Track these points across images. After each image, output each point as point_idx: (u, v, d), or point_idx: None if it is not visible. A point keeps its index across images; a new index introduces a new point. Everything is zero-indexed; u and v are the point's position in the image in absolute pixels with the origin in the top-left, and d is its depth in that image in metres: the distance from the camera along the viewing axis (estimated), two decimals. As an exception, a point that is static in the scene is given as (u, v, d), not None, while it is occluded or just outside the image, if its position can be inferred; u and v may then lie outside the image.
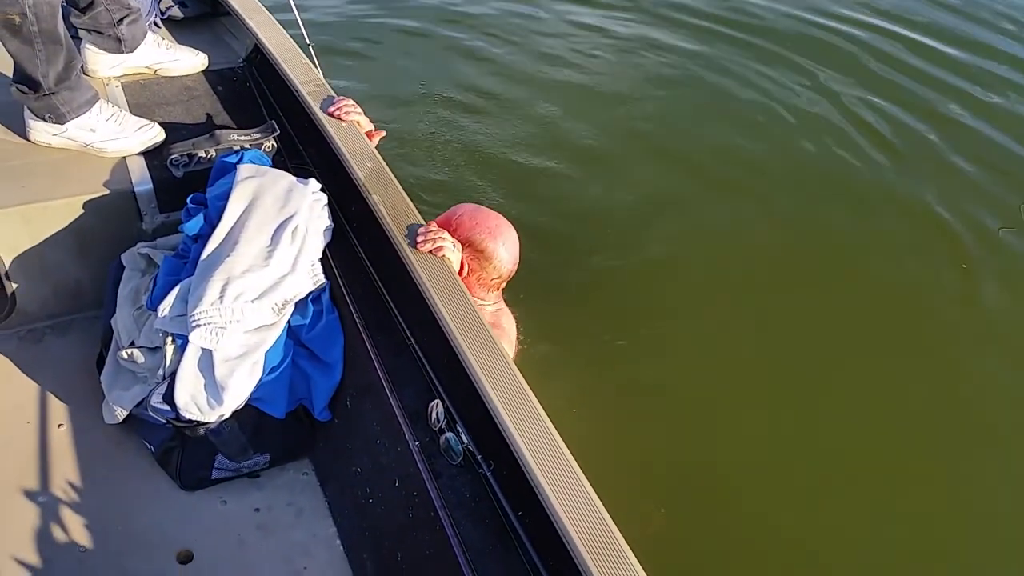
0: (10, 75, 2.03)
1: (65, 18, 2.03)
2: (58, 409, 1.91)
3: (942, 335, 2.95)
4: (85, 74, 2.25)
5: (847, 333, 2.92)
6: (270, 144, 2.13)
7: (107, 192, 2.02)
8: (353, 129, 2.06)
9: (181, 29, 2.74)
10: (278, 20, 2.43)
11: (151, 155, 2.13)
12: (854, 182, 3.72)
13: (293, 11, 2.27)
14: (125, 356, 1.78)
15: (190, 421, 1.67)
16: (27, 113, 2.07)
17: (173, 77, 2.47)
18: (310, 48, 2.26)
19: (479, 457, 1.46)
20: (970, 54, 4.93)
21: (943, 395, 2.71)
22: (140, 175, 2.07)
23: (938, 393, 2.71)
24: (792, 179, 3.73)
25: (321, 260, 1.86)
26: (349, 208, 1.99)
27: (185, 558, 1.67)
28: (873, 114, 4.22)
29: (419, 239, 1.71)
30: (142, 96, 2.36)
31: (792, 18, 5.19)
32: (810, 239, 3.37)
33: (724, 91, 4.36)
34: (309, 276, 1.80)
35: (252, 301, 1.67)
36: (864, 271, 3.20)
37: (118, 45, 2.34)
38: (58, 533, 1.67)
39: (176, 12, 2.70)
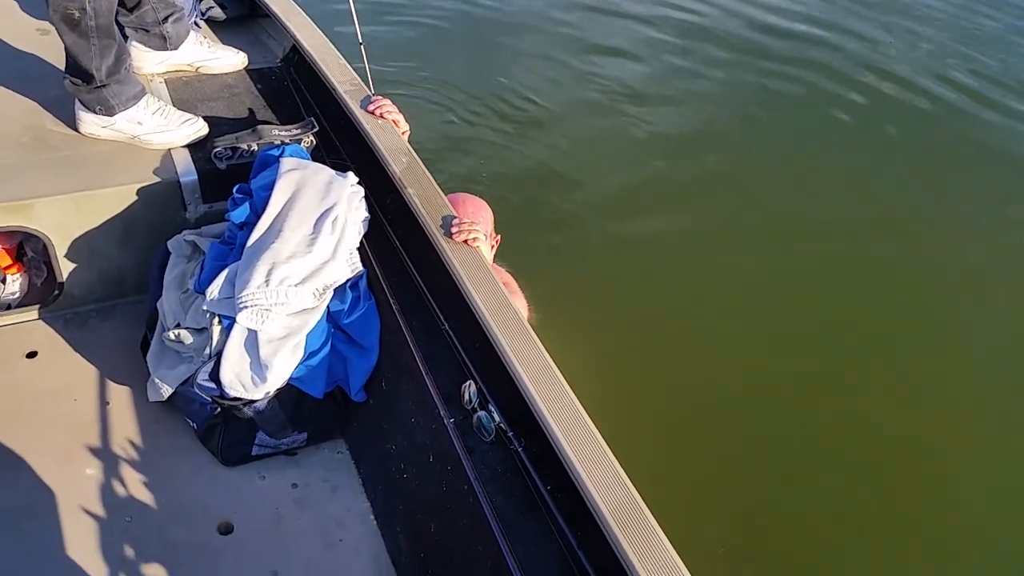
0: (61, 70, 2.13)
1: None
2: (104, 388, 2.00)
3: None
4: None
5: (866, 324, 3.02)
6: (309, 140, 2.22)
7: (153, 182, 2.11)
8: (388, 126, 2.14)
9: (221, 30, 2.84)
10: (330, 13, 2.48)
11: (195, 147, 2.22)
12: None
13: (351, 10, 2.34)
14: (172, 336, 1.87)
15: (234, 398, 1.76)
16: (78, 105, 2.17)
17: (214, 75, 2.57)
18: (362, 47, 2.33)
19: (510, 434, 1.53)
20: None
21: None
22: (185, 166, 2.16)
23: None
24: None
25: (359, 249, 1.94)
26: (384, 201, 2.07)
27: (225, 529, 1.75)
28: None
29: (454, 230, 1.79)
30: (185, 92, 2.46)
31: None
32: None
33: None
34: (348, 264, 1.88)
35: (295, 285, 1.76)
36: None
37: (163, 43, 2.44)
38: (105, 503, 1.75)
39: (217, 13, 2.81)
